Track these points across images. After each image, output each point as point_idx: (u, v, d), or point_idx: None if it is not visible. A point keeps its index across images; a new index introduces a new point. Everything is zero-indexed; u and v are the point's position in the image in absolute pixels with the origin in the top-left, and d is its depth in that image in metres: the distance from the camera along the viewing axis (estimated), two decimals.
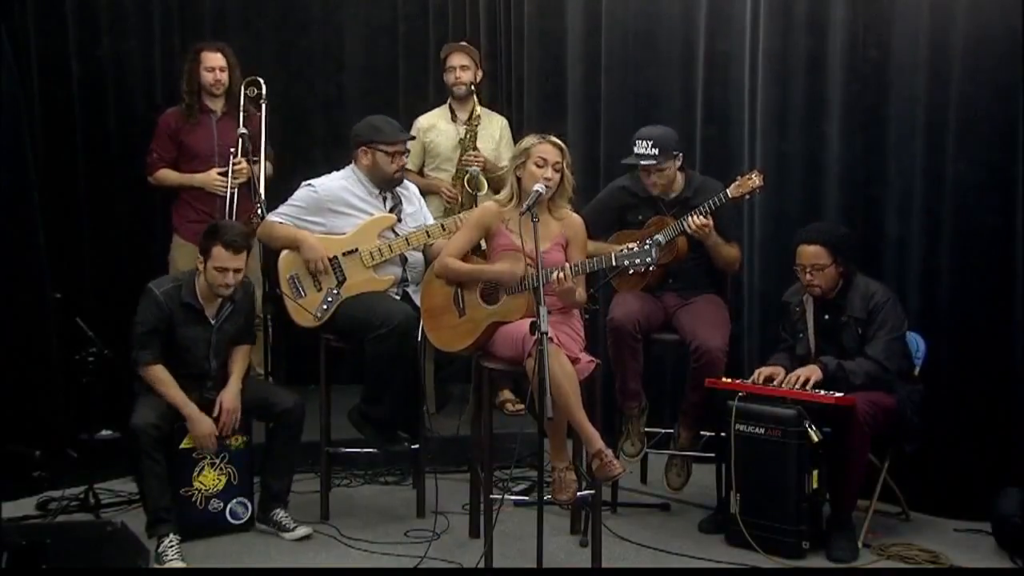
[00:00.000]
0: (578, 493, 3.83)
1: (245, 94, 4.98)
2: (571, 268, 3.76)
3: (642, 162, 4.29)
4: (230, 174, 4.88)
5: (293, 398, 4.17)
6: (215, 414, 4.04)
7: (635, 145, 4.32)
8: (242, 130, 4.73)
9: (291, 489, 4.25)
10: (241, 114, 4.93)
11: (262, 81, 5.04)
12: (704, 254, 4.42)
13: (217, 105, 5.00)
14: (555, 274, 3.73)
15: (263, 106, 5.01)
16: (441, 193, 5.18)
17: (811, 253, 4.06)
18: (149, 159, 4.99)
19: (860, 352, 4.04)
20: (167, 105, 5.17)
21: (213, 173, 4.91)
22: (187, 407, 3.99)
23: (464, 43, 5.34)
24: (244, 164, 4.86)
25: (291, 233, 4.29)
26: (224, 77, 4.93)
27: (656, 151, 4.27)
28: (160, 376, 3.98)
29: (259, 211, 4.61)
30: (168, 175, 4.98)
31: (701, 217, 4.19)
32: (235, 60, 5.01)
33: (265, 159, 4.96)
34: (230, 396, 4.08)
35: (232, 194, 4.89)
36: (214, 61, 4.92)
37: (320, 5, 6.15)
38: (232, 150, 4.87)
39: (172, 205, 5.06)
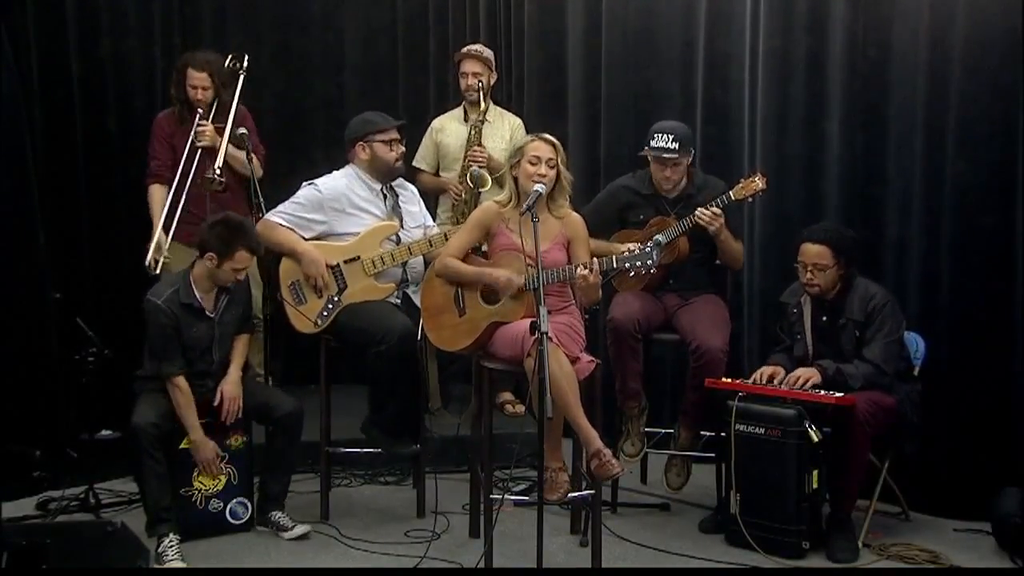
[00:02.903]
0: (578, 493, 3.83)
1: (230, 67, 4.89)
2: (598, 263, 3.75)
3: (664, 154, 4.30)
4: (193, 133, 4.77)
5: (292, 402, 4.18)
6: (216, 403, 4.06)
7: (653, 138, 4.32)
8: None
9: (290, 490, 4.26)
10: (233, 109, 4.88)
11: (246, 56, 4.94)
12: (705, 254, 4.43)
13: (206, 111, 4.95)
14: (581, 270, 3.73)
15: (241, 76, 4.86)
16: (448, 190, 5.19)
17: (815, 252, 4.06)
18: (151, 165, 4.90)
19: (857, 354, 4.04)
20: (166, 105, 5.17)
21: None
22: (194, 432, 4.01)
23: (477, 48, 5.29)
24: (209, 128, 4.78)
25: (292, 243, 4.28)
26: (208, 95, 4.84)
27: (676, 145, 4.28)
28: (183, 393, 3.98)
29: (258, 209, 4.59)
30: (151, 199, 4.86)
31: (715, 208, 4.20)
32: (223, 72, 4.87)
33: (251, 158, 4.82)
34: (230, 385, 4.09)
35: (196, 156, 4.77)
36: (197, 80, 4.82)
37: (320, 5, 6.14)
38: (200, 111, 4.79)
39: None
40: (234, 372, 4.14)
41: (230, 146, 4.77)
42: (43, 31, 5.09)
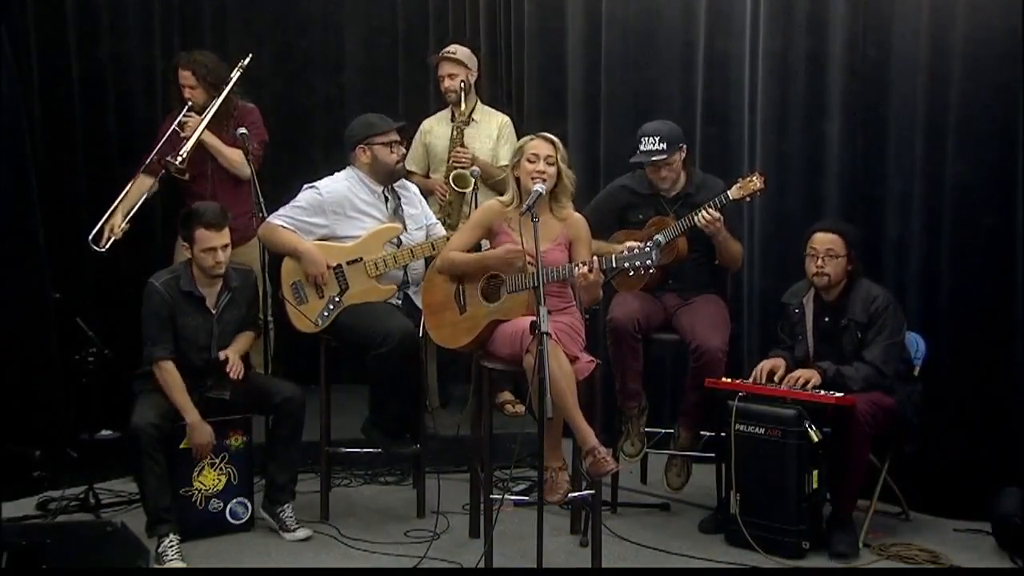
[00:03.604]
0: (578, 493, 3.83)
1: (232, 66, 4.92)
2: (599, 262, 3.74)
3: (652, 158, 4.30)
4: (177, 122, 4.79)
5: (292, 388, 4.17)
6: (221, 359, 4.08)
7: (641, 142, 4.32)
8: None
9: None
10: (218, 101, 4.86)
11: (249, 55, 4.99)
12: (704, 254, 4.43)
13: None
14: (580, 268, 3.73)
15: (236, 73, 4.89)
16: (435, 191, 5.19)
17: (828, 239, 4.09)
18: (143, 157, 4.92)
19: (858, 355, 4.04)
20: (167, 105, 5.17)
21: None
22: (189, 413, 4.00)
23: (451, 49, 5.28)
24: (194, 119, 4.80)
25: (293, 243, 4.28)
26: (196, 94, 4.86)
27: (664, 145, 4.28)
28: (171, 375, 3.98)
29: (258, 209, 4.59)
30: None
31: (714, 211, 4.20)
32: (209, 72, 4.87)
33: (250, 160, 4.74)
34: (232, 351, 4.12)
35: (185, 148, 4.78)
36: (184, 80, 4.86)
37: (320, 5, 6.14)
38: (191, 103, 4.83)
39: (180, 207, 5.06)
40: (233, 347, 4.15)
41: (225, 146, 4.79)
42: (43, 31, 5.09)
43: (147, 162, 4.86)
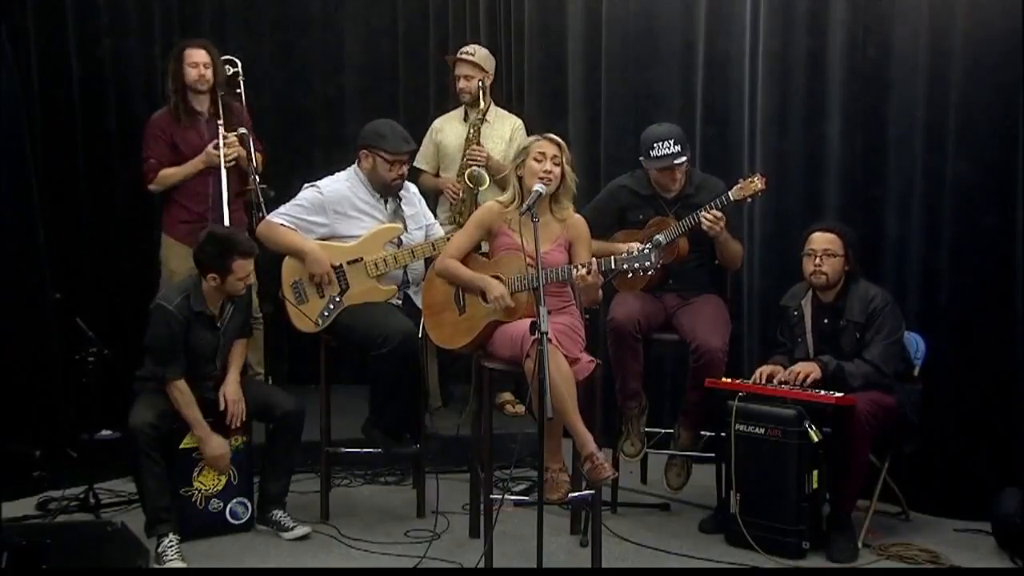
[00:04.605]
0: (578, 493, 3.83)
1: (229, 73, 4.90)
2: (598, 264, 3.74)
3: (675, 161, 4.28)
4: (222, 147, 4.72)
5: (293, 401, 4.18)
6: (220, 408, 4.06)
7: (654, 147, 4.29)
8: (242, 130, 4.71)
9: (290, 489, 4.26)
10: (221, 107, 4.85)
11: (237, 61, 4.98)
12: (705, 254, 4.43)
13: (203, 105, 4.85)
14: (579, 271, 3.73)
15: (241, 83, 4.92)
16: (445, 190, 5.19)
17: (826, 239, 4.10)
18: (146, 165, 4.83)
19: (857, 356, 4.04)
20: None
21: (209, 147, 4.75)
22: (200, 428, 4.01)
23: (469, 50, 5.26)
24: (234, 138, 4.76)
25: (296, 243, 4.27)
26: (208, 73, 4.80)
27: (679, 148, 4.28)
28: (185, 394, 3.97)
29: (257, 209, 4.58)
30: (168, 173, 4.80)
31: (716, 212, 4.20)
32: (218, 59, 4.87)
33: (255, 151, 4.80)
34: (232, 388, 4.10)
35: (227, 177, 4.73)
36: (197, 57, 4.78)
37: (320, 5, 6.15)
38: (220, 123, 4.77)
39: (163, 206, 4.93)
40: (233, 374, 4.14)
41: (241, 149, 4.80)
42: (43, 31, 5.09)
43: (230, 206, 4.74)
